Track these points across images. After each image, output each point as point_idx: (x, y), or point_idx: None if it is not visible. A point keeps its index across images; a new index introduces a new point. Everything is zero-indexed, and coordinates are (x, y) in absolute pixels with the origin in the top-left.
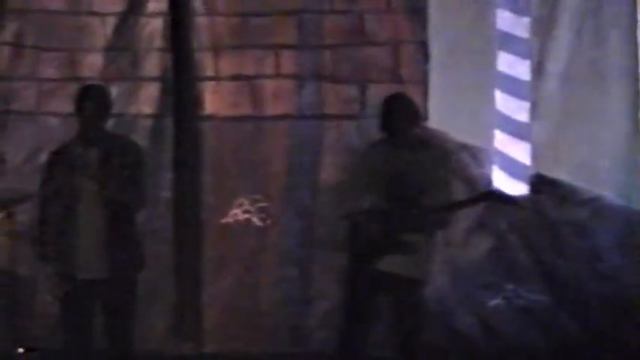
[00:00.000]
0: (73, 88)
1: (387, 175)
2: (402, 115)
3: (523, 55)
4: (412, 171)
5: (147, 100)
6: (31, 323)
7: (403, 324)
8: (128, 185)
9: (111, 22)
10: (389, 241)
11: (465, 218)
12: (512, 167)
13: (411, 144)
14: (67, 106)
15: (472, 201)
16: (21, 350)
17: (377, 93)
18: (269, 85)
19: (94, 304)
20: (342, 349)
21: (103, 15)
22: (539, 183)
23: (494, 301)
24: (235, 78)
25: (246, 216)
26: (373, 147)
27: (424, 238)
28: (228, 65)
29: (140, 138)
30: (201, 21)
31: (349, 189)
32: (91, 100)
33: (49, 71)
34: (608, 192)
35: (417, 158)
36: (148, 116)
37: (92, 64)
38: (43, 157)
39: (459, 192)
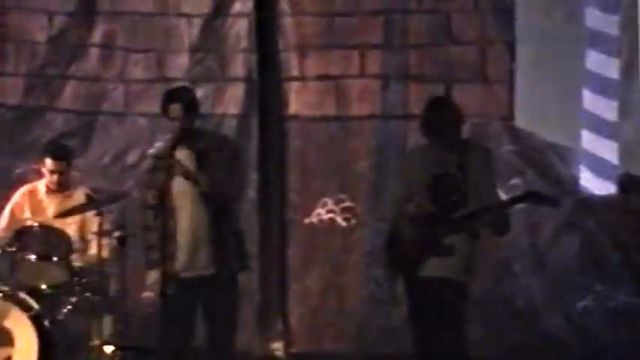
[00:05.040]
0: (160, 89)
1: (431, 178)
2: (447, 119)
3: (612, 54)
4: (457, 174)
5: (232, 100)
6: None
7: (450, 326)
8: (225, 180)
9: (197, 23)
10: (430, 245)
11: (553, 218)
12: (600, 166)
13: (456, 147)
14: (155, 107)
15: (513, 202)
16: (111, 348)
17: (463, 93)
18: (354, 85)
19: (197, 302)
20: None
21: (189, 17)
22: (628, 182)
23: (584, 302)
24: (320, 78)
25: (330, 216)
26: (417, 151)
27: (467, 241)
28: (313, 65)
29: None
30: (286, 21)
31: (395, 193)
32: (180, 102)
33: (137, 72)
34: None
35: (462, 161)
36: (233, 116)
37: (179, 65)
38: (131, 158)
39: (546, 192)
